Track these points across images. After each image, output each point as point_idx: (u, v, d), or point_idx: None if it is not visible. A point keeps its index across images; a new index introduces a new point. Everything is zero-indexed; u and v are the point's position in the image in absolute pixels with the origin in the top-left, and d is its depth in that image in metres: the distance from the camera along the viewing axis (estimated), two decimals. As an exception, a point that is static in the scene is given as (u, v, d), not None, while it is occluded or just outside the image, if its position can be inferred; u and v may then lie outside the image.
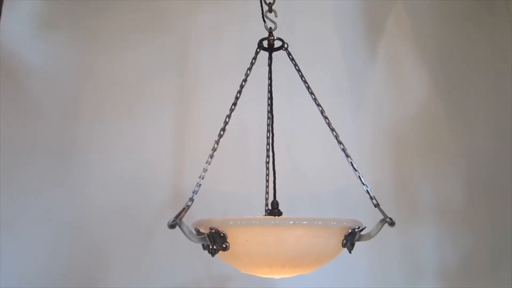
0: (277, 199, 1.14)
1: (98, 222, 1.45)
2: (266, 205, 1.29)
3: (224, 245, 0.90)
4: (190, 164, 1.54)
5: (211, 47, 1.65)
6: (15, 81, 1.49)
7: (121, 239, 1.45)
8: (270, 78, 1.19)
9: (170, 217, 1.54)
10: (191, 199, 0.94)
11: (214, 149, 1.01)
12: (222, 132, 1.04)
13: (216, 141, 1.02)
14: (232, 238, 0.90)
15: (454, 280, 1.54)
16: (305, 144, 1.61)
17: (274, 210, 1.09)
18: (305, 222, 0.89)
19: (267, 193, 1.28)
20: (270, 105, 1.20)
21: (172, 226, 0.89)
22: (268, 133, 1.25)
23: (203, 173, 0.98)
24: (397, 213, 1.44)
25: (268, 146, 1.25)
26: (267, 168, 1.25)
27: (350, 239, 0.95)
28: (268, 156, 1.25)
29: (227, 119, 1.05)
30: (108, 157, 1.51)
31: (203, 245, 0.95)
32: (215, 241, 0.91)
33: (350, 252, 0.98)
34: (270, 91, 1.20)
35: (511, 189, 1.63)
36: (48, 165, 1.47)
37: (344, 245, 0.95)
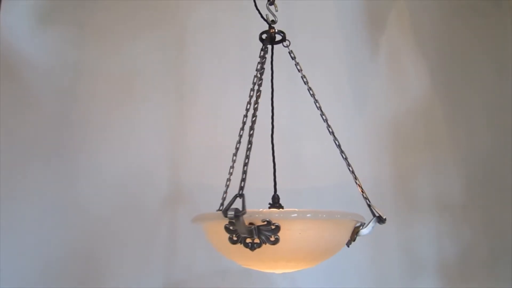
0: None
1: (100, 217, 1.43)
2: (224, 198, 1.23)
3: (273, 239, 0.85)
4: (188, 159, 1.54)
5: (210, 42, 1.64)
6: (14, 76, 1.47)
7: (121, 235, 1.44)
8: (270, 69, 1.18)
9: (171, 211, 1.48)
10: (242, 188, 0.85)
11: (250, 142, 0.95)
12: (254, 118, 0.98)
13: (250, 134, 0.96)
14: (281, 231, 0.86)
15: (453, 275, 1.56)
16: (305, 138, 1.61)
17: (275, 204, 1.08)
18: (349, 217, 0.94)
19: (227, 186, 1.22)
20: (271, 98, 1.18)
21: (237, 216, 0.79)
22: (243, 125, 1.20)
23: (246, 161, 0.91)
24: (396, 208, 1.56)
25: (239, 138, 1.20)
26: (233, 161, 1.21)
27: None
28: (236, 148, 1.20)
29: (256, 105, 0.99)
30: (109, 152, 1.49)
31: (231, 238, 0.87)
32: (261, 234, 0.85)
33: (348, 246, 1.07)
34: (257, 83, 1.17)
35: (510, 185, 1.63)
36: (46, 160, 1.44)
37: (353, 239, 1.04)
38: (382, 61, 1.71)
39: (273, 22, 1.14)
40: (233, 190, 1.16)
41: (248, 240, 0.85)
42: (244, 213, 0.80)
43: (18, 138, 1.44)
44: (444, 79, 1.72)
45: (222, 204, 1.21)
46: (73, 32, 1.56)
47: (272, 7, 1.15)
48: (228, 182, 1.21)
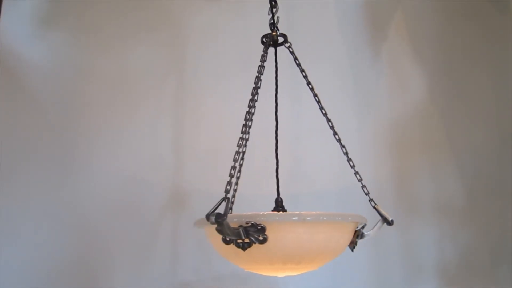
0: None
1: (100, 220, 1.44)
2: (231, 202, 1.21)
3: (261, 238, 0.86)
4: (190, 161, 1.53)
5: (211, 45, 1.64)
6: (15, 80, 1.47)
7: (123, 237, 1.44)
8: (275, 72, 1.18)
9: (170, 215, 1.50)
10: (228, 191, 0.88)
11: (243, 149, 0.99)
12: (244, 128, 0.99)
13: (241, 141, 0.97)
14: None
15: (454, 278, 1.55)
16: (308, 142, 1.60)
17: (278, 207, 1.08)
18: (350, 219, 0.95)
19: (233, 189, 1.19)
20: (275, 100, 1.18)
21: (218, 222, 0.82)
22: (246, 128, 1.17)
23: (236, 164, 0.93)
24: (397, 211, 1.56)
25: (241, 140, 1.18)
26: (235, 160, 1.18)
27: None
28: (242, 158, 1.18)
29: (247, 115, 1.01)
30: (109, 155, 1.49)
31: (224, 239, 0.88)
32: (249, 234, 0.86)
33: (352, 250, 1.04)
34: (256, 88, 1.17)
35: (510, 187, 1.62)
36: (48, 163, 1.44)
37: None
38: (382, 65, 1.71)
39: (275, 26, 1.15)
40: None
41: (239, 241, 0.86)
42: (225, 218, 0.81)
43: (18, 140, 1.43)
44: (446, 81, 1.72)
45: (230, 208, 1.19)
46: (73, 34, 1.55)
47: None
48: (235, 186, 1.17)
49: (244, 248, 0.86)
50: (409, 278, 1.55)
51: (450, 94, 1.71)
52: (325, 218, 0.89)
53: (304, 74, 1.14)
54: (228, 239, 0.88)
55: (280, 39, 1.15)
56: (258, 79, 1.03)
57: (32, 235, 1.39)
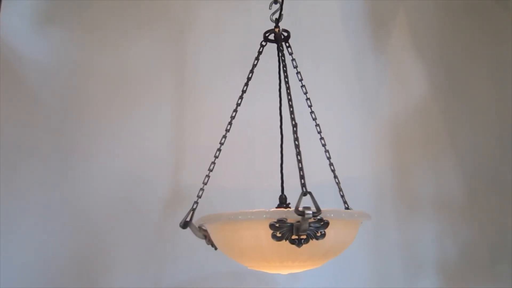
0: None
1: (100, 219, 1.43)
2: (199, 196, 1.14)
3: (319, 234, 0.85)
4: (191, 158, 1.52)
5: (212, 41, 1.63)
6: (15, 77, 1.47)
7: (123, 235, 1.43)
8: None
9: (172, 211, 1.46)
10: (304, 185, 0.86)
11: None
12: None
13: (295, 128, 0.95)
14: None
15: (454, 274, 1.55)
16: (308, 138, 1.46)
17: (282, 204, 1.07)
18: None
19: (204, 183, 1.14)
20: (279, 93, 1.15)
21: (315, 215, 0.81)
22: (229, 125, 1.15)
23: (299, 157, 0.92)
24: (396, 208, 1.57)
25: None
26: (216, 157, 1.15)
27: None
28: (219, 149, 1.15)
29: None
30: (110, 152, 1.48)
31: (275, 235, 0.83)
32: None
33: None
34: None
35: (510, 185, 1.61)
36: (48, 161, 1.44)
37: None
38: (384, 62, 1.72)
39: (277, 20, 1.15)
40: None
41: (294, 237, 0.82)
42: (320, 212, 0.80)
43: (17, 137, 1.43)
44: (447, 78, 1.73)
45: (196, 202, 1.10)
46: (73, 32, 1.55)
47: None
48: (206, 179, 1.11)
49: (300, 244, 0.83)
50: (408, 275, 1.55)
51: (451, 91, 1.71)
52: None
53: (299, 78, 1.16)
54: (279, 234, 0.83)
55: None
56: (281, 63, 1.07)
57: (32, 234, 1.38)
